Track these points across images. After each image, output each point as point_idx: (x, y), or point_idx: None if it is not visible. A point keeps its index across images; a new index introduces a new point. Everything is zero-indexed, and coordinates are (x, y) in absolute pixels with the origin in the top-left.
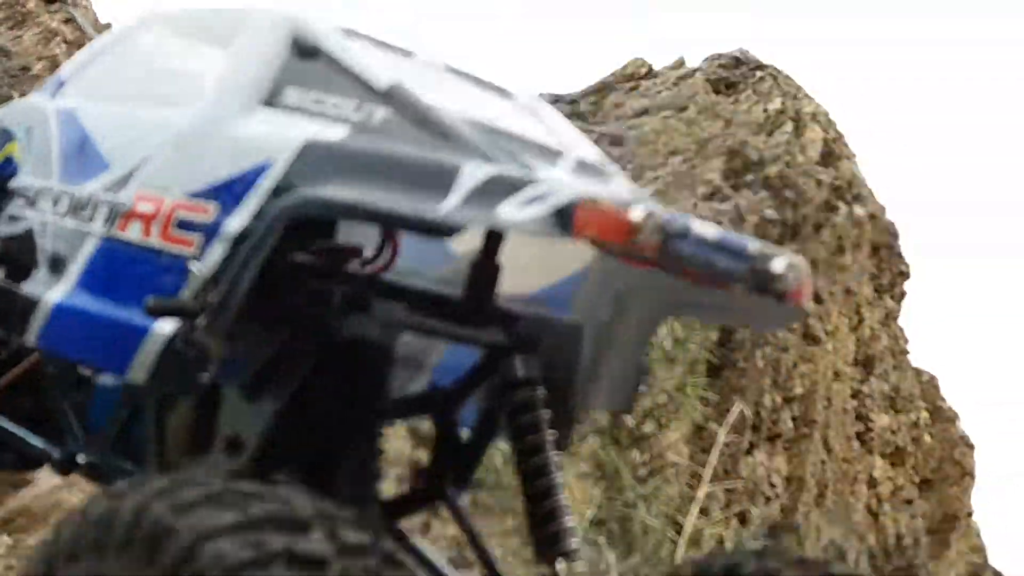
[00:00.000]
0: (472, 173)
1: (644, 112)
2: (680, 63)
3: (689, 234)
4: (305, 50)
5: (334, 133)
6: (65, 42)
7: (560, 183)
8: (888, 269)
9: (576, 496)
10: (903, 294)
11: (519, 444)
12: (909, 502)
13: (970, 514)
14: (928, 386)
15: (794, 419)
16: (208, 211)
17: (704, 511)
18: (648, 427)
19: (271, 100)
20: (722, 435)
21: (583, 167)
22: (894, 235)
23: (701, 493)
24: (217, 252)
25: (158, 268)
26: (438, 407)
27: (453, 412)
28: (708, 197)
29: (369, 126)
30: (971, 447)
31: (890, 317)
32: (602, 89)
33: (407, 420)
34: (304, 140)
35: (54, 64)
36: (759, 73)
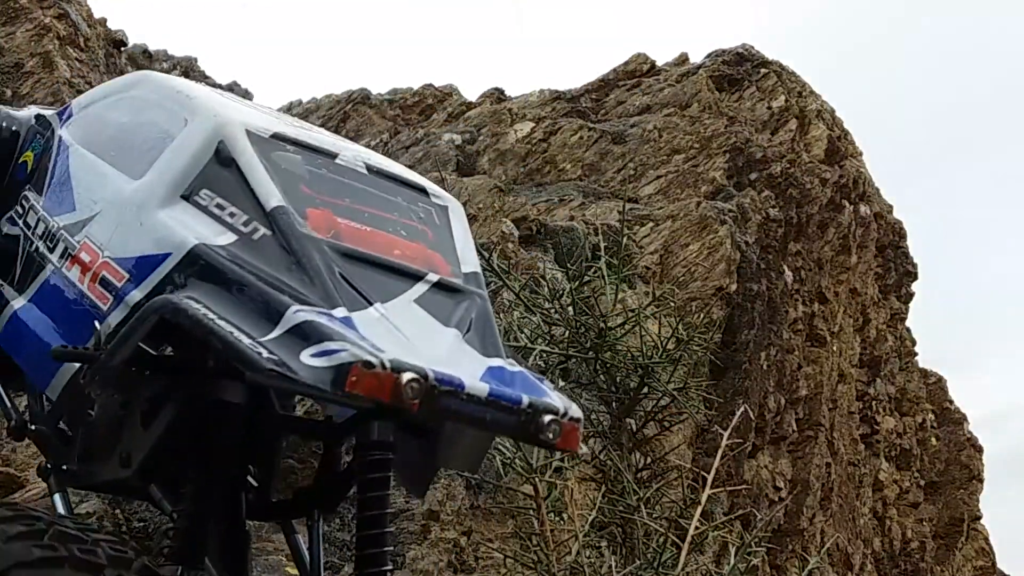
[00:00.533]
0: (291, 316)
1: (646, 109)
2: (683, 59)
3: (460, 393)
4: (223, 159)
5: (222, 240)
6: (58, 38)
7: (354, 342)
8: (894, 269)
9: (577, 499)
10: (910, 295)
11: (362, 495)
12: (916, 506)
13: (978, 517)
14: (935, 388)
15: (798, 421)
16: (122, 278)
17: (707, 515)
18: (650, 430)
19: (189, 195)
20: (726, 438)
21: (439, 288)
22: (901, 234)
23: (704, 496)
24: (118, 315)
25: (84, 310)
26: (326, 437)
27: (336, 444)
28: (711, 195)
29: (251, 240)
30: (979, 449)
31: (896, 318)
32: (604, 86)
33: (300, 437)
34: (196, 241)
35: (47, 61)
36: (763, 70)
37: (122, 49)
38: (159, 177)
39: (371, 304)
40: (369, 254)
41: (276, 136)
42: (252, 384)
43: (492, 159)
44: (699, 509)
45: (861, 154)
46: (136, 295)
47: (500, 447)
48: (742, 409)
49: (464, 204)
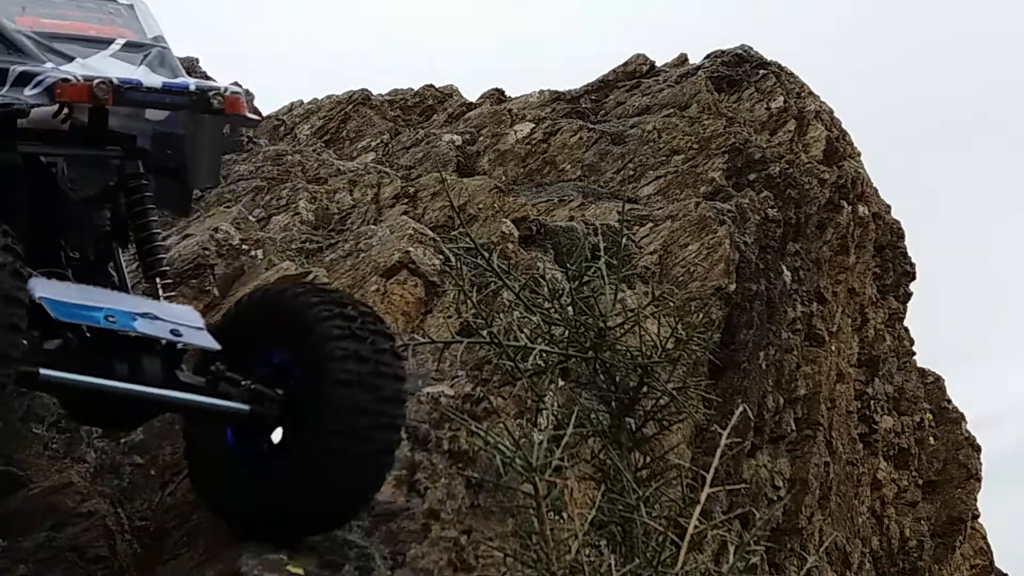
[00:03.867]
0: (12, 72)
1: (646, 110)
2: (682, 60)
3: (140, 88)
4: None
5: None
6: None
7: (54, 71)
8: (893, 269)
9: (577, 498)
10: (908, 294)
11: (130, 211)
12: (914, 505)
13: (976, 516)
14: (933, 387)
15: (797, 421)
16: None
17: (706, 513)
18: (650, 429)
19: None
20: (724, 437)
21: (129, 46)
22: (899, 234)
23: (703, 495)
24: None
25: None
26: (106, 187)
27: (114, 193)
28: (710, 196)
29: None
30: (977, 449)
31: (895, 318)
32: (603, 86)
33: (97, 183)
34: None
35: None
36: (762, 71)
37: None
38: None
39: (73, 60)
40: (70, 32)
41: None
42: (25, 153)
43: (492, 160)
44: (698, 508)
45: (859, 154)
46: None
47: (500, 447)
48: (741, 408)
49: (464, 204)
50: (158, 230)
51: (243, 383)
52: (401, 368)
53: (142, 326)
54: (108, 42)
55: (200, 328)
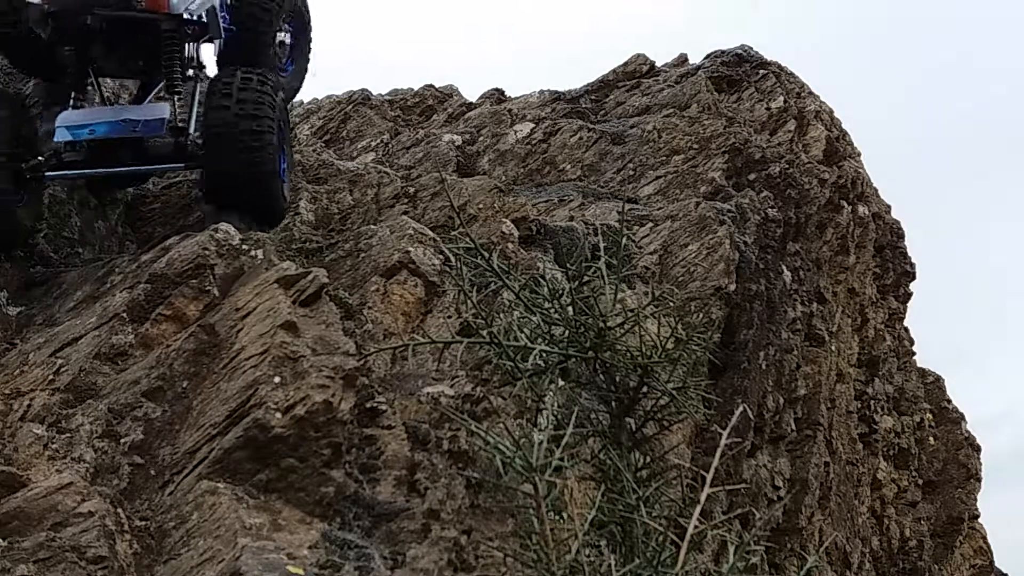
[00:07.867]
0: None
1: (646, 110)
2: (682, 60)
3: None
4: None
5: None
6: None
7: None
8: (893, 269)
9: (577, 498)
10: (908, 294)
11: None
12: (914, 505)
13: (976, 516)
14: (933, 387)
15: (797, 421)
16: None
17: (706, 514)
18: (650, 429)
19: None
20: (724, 437)
21: None
22: (899, 234)
23: (703, 495)
24: None
25: None
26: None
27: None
28: (710, 196)
29: None
30: (977, 449)
31: (895, 317)
32: (603, 86)
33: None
34: None
35: None
36: (762, 71)
37: None
38: None
39: None
40: None
41: None
42: None
43: (492, 159)
44: (698, 508)
45: (859, 154)
46: None
47: (500, 447)
48: (741, 408)
49: (464, 204)
50: (179, 69)
51: (183, 142)
52: (258, 108)
53: (110, 131)
54: None
55: (158, 119)
